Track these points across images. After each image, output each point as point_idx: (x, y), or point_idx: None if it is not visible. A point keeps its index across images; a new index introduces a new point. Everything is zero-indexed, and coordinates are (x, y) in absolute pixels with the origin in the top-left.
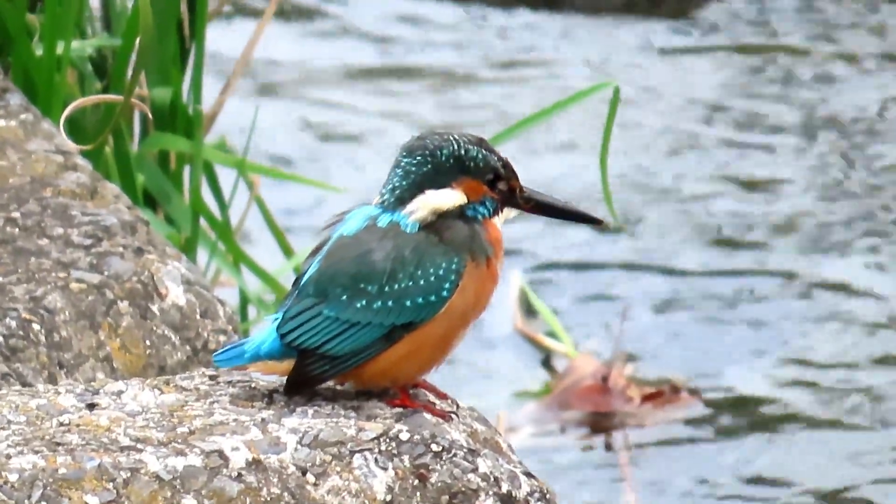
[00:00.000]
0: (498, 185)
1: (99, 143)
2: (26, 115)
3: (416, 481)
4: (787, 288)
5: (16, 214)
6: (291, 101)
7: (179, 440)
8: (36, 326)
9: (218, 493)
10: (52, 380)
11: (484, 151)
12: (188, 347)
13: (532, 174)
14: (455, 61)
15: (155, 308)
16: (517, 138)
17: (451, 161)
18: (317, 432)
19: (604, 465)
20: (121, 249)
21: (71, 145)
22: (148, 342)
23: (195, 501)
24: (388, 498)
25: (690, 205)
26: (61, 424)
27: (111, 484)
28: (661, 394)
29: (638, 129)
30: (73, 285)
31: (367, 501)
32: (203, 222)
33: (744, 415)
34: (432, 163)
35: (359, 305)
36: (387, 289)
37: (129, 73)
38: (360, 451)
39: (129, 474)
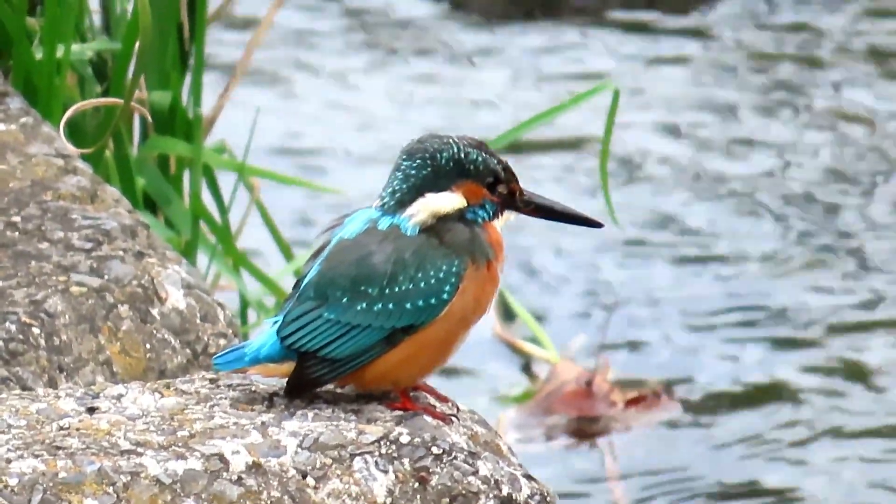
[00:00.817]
0: (498, 188)
1: (99, 147)
2: (26, 118)
3: (417, 484)
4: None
5: (16, 218)
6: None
7: (180, 444)
8: (36, 330)
9: (218, 496)
10: (53, 384)
11: (484, 155)
12: (188, 351)
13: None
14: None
15: (155, 312)
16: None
17: (451, 164)
18: (317, 435)
19: (588, 469)
20: (121, 253)
21: (71, 149)
22: (148, 346)
23: None
24: (389, 501)
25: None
26: (61, 428)
27: (111, 488)
28: (645, 397)
29: (629, 128)
30: (74, 289)
31: None
32: (203, 226)
33: (728, 416)
34: (432, 166)
35: (359, 308)
36: (387, 291)
37: (129, 76)
38: (361, 454)
39: (129, 478)
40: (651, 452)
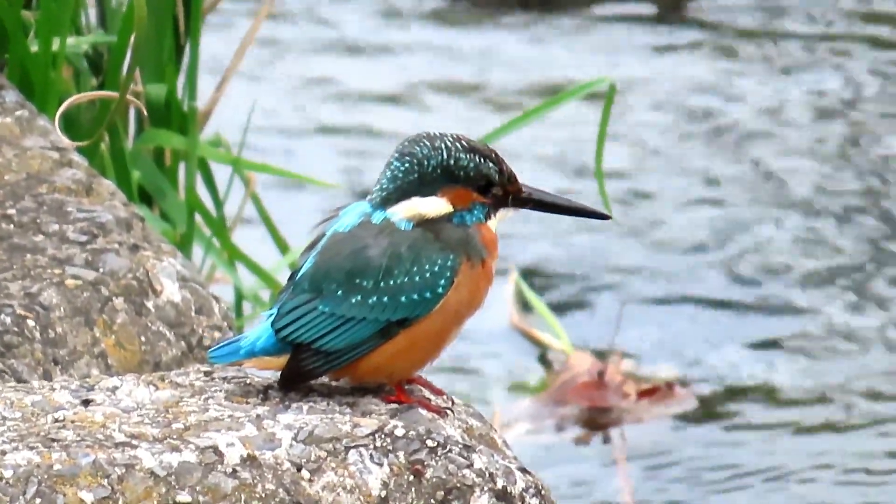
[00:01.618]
0: (491, 190)
1: (94, 140)
2: (22, 111)
3: (412, 477)
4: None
5: (11, 211)
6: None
7: (174, 436)
8: (31, 323)
9: (213, 489)
10: (47, 376)
11: (476, 159)
12: (183, 344)
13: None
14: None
15: (150, 304)
16: None
17: (438, 171)
18: (312, 428)
19: (600, 461)
20: (116, 246)
21: (66, 142)
22: (143, 338)
23: (190, 497)
24: (383, 494)
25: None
26: (56, 421)
27: (106, 480)
28: (658, 389)
29: (628, 124)
30: (69, 282)
31: (361, 497)
32: (198, 219)
33: (741, 407)
34: (419, 172)
35: (354, 301)
36: (382, 284)
37: (125, 69)
38: (356, 446)
39: (123, 470)
40: (660, 444)
